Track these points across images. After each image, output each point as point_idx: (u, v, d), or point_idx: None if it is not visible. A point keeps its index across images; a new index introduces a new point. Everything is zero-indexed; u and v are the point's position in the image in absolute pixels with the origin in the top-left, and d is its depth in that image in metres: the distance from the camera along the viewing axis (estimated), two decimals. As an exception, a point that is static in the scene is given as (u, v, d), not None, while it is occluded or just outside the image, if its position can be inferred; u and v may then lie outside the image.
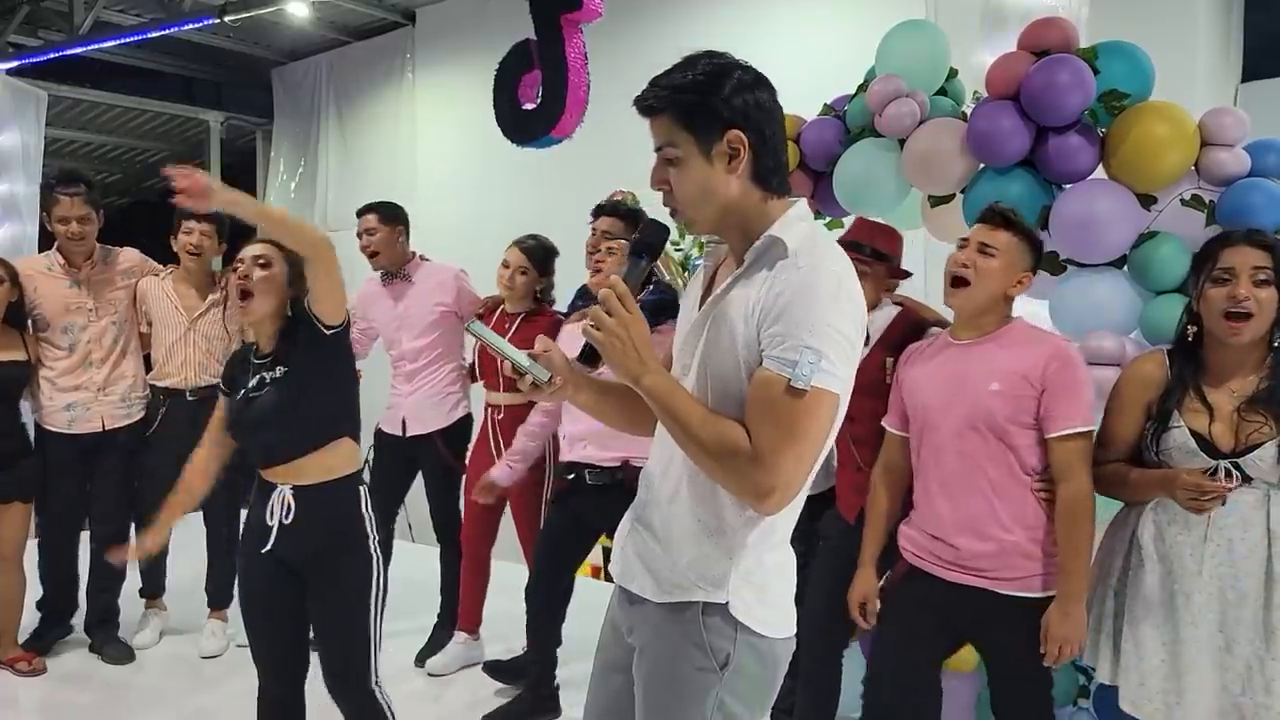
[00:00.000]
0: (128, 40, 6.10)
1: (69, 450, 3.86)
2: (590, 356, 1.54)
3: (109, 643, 3.99)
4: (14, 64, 6.23)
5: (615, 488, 3.06)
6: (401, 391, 3.91)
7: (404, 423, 3.88)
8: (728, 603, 1.56)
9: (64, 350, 3.83)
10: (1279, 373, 2.13)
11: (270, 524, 2.39)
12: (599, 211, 3.44)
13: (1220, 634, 2.12)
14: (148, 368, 4.06)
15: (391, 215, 3.93)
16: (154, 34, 5.92)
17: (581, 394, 1.68)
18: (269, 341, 2.46)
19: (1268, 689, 2.07)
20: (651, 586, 1.63)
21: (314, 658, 2.53)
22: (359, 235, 3.97)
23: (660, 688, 1.61)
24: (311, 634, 2.52)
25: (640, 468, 3.17)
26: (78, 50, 6.09)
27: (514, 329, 3.57)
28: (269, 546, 2.39)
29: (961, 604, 2.33)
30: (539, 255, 3.62)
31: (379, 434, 4.02)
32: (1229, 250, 2.14)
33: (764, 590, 1.59)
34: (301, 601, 2.45)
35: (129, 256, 4.04)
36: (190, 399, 3.96)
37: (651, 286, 3.20)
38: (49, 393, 3.83)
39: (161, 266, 4.11)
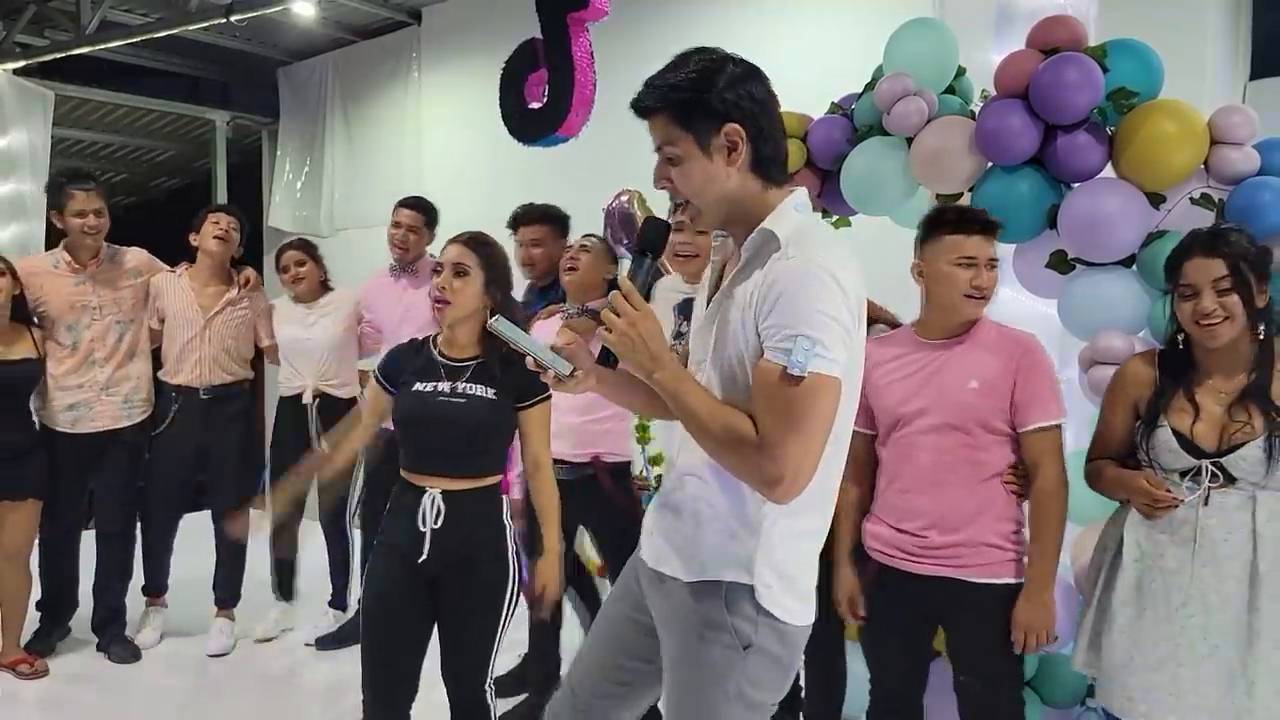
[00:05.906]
0: (134, 40, 6.10)
1: (71, 450, 3.85)
2: (609, 356, 1.62)
3: (115, 641, 3.99)
4: (21, 64, 6.24)
5: (586, 483, 3.04)
6: None
7: None
8: (753, 587, 1.60)
9: (67, 348, 3.81)
10: (1264, 366, 2.11)
11: (423, 530, 2.38)
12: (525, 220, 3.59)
13: (1204, 639, 2.09)
14: (158, 365, 4.05)
15: (431, 220, 4.06)
16: (160, 34, 5.93)
17: (603, 384, 1.74)
18: (465, 348, 2.46)
19: (1249, 692, 2.05)
20: (680, 566, 1.68)
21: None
22: (395, 225, 3.98)
23: (685, 667, 1.67)
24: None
25: (611, 464, 3.17)
26: (84, 50, 6.10)
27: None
28: (424, 556, 2.38)
29: (933, 593, 2.34)
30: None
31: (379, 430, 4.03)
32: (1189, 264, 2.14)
33: (789, 580, 1.64)
34: (432, 618, 2.44)
35: (135, 256, 4.03)
36: (204, 397, 3.96)
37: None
38: (52, 392, 3.82)
39: (169, 267, 4.10)
